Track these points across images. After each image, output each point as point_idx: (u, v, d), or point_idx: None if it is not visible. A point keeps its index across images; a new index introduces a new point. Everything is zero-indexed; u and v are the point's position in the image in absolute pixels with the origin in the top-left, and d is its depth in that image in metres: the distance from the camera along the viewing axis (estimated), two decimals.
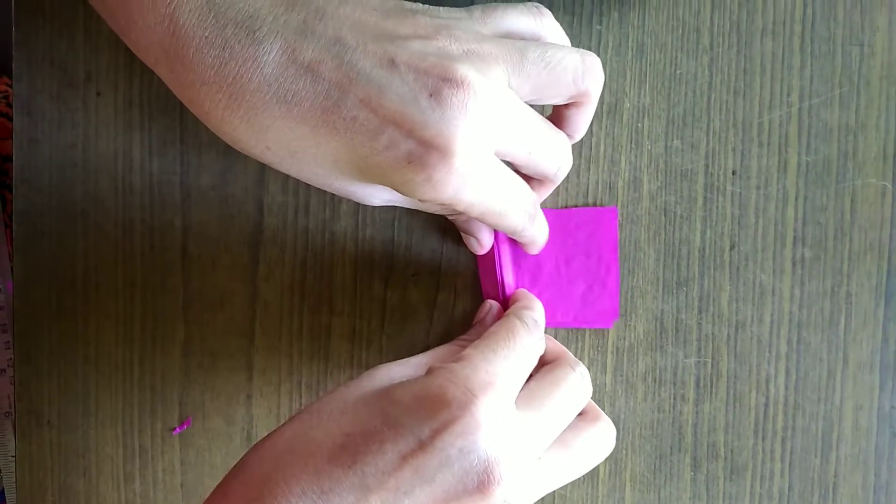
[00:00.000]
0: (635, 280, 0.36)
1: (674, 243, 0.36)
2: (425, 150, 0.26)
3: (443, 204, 0.27)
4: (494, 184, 0.28)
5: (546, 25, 0.30)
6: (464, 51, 0.27)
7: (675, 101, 0.35)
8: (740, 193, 0.36)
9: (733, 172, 0.35)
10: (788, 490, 0.36)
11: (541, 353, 0.31)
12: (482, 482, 0.26)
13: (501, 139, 0.28)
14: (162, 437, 0.37)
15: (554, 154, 0.30)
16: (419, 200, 0.27)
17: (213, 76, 0.26)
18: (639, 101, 0.35)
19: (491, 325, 0.33)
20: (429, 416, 0.26)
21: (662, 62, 0.35)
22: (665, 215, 0.36)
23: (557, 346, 0.33)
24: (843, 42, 0.35)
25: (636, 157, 0.36)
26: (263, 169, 0.36)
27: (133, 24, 0.27)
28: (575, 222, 0.35)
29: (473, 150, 0.27)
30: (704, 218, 0.36)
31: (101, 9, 0.29)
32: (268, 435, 0.28)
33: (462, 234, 0.34)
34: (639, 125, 0.35)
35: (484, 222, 0.30)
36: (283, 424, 0.28)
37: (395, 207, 0.36)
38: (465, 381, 0.26)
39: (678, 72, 0.35)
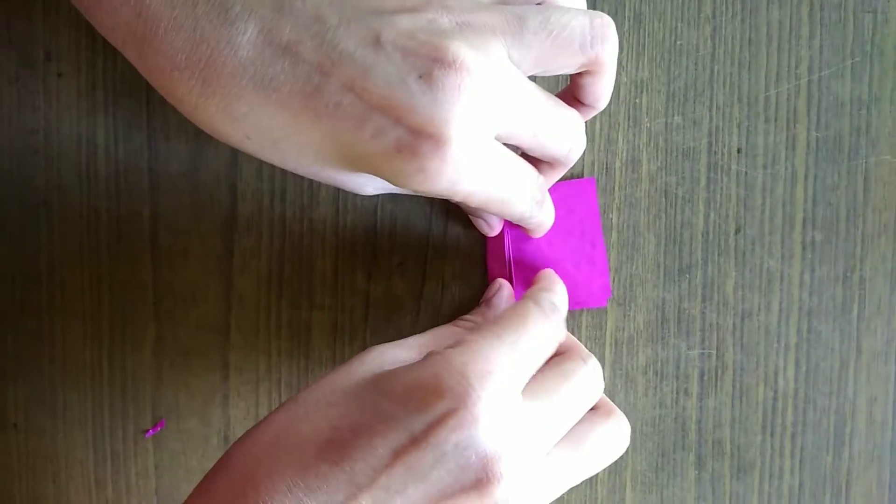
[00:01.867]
0: (634, 267, 0.34)
1: (675, 227, 0.34)
2: (416, 138, 0.24)
3: (439, 195, 0.26)
4: (495, 171, 0.26)
5: None
6: (456, 23, 0.25)
7: (675, 74, 0.34)
8: (746, 173, 0.34)
9: (738, 150, 0.34)
10: (799, 488, 0.35)
11: (560, 339, 0.29)
12: (480, 480, 0.24)
13: (502, 122, 0.26)
14: (134, 440, 0.35)
15: (562, 134, 0.28)
16: (416, 191, 0.25)
17: (185, 60, 0.24)
18: (637, 75, 0.34)
19: (501, 306, 0.31)
20: (421, 408, 0.24)
21: (661, 32, 0.34)
22: (666, 197, 0.34)
23: (569, 338, 0.31)
24: (855, 9, 0.34)
25: (634, 135, 0.34)
26: (236, 153, 0.34)
27: (98, 4, 0.25)
28: (552, 199, 0.33)
29: (470, 136, 0.25)
30: (708, 200, 0.34)
31: None
32: (252, 428, 0.26)
33: (470, 216, 0.33)
34: (637, 101, 0.34)
35: (487, 211, 0.28)
36: (267, 416, 0.26)
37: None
38: (462, 370, 0.24)
39: (678, 43, 0.34)
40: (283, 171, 0.34)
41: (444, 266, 0.34)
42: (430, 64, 0.24)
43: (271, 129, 0.25)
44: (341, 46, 0.24)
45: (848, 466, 0.35)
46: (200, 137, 0.34)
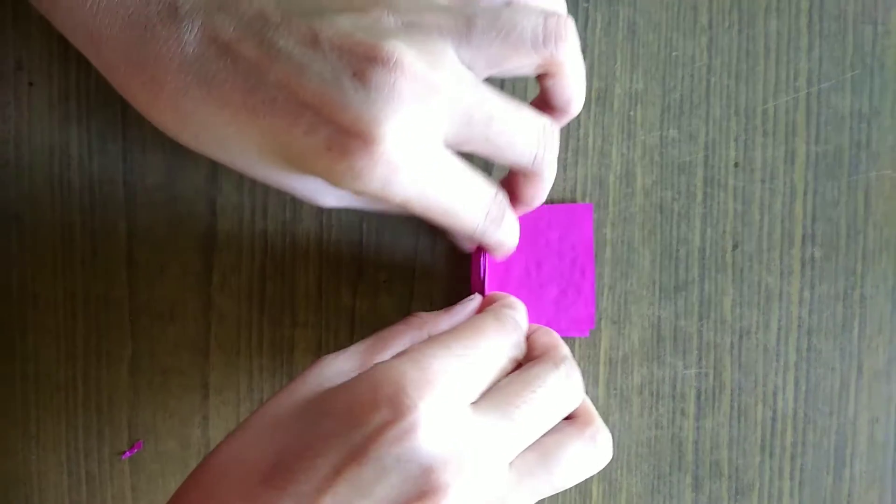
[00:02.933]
0: (629, 284, 0.33)
1: (671, 243, 0.33)
2: (345, 136, 0.24)
3: (375, 196, 0.25)
4: (438, 178, 0.25)
5: None
6: (402, 23, 0.25)
7: (670, 86, 0.33)
8: (743, 188, 0.33)
9: (735, 165, 0.33)
10: None
11: (518, 357, 0.28)
12: (425, 492, 0.23)
13: (448, 125, 0.25)
14: (110, 463, 0.34)
15: (523, 139, 0.27)
16: (353, 192, 0.25)
17: (137, 57, 0.25)
18: (631, 87, 0.33)
19: (460, 313, 0.30)
20: (360, 422, 0.23)
21: (656, 43, 0.33)
22: (661, 212, 0.33)
23: (550, 339, 0.30)
24: (855, 20, 0.33)
25: (629, 148, 0.33)
26: (216, 166, 0.33)
27: (57, 5, 0.26)
28: (546, 221, 0.32)
29: (406, 137, 0.24)
30: (704, 215, 0.33)
31: None
32: (205, 457, 0.26)
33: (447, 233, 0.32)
34: (631, 113, 0.33)
35: (432, 222, 0.27)
36: (219, 444, 0.26)
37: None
38: (399, 379, 0.24)
39: (674, 54, 0.33)
40: (265, 185, 0.33)
41: (433, 283, 0.33)
42: (364, 62, 0.24)
43: (216, 127, 0.25)
44: (280, 44, 0.24)
45: (849, 488, 0.34)
46: (178, 149, 0.33)
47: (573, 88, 0.28)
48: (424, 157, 0.25)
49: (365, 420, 0.23)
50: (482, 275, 0.32)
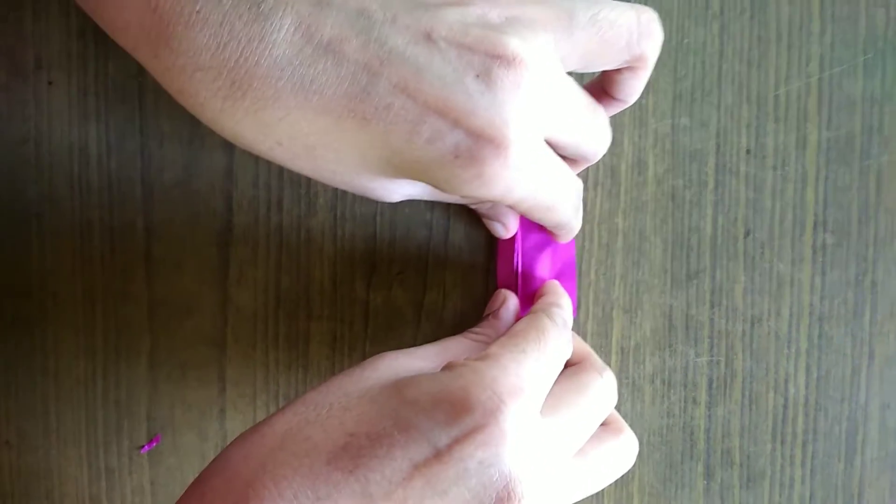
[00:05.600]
0: (641, 273, 0.33)
1: (683, 231, 0.33)
2: (475, 141, 0.23)
3: (489, 200, 0.24)
4: (546, 176, 0.25)
5: None
6: (506, 18, 0.24)
7: (682, 73, 0.33)
8: (755, 174, 0.33)
9: (747, 151, 0.33)
10: (810, 498, 0.34)
11: (569, 355, 0.28)
12: (501, 499, 0.23)
13: (551, 123, 0.24)
14: (129, 456, 0.34)
15: (597, 134, 0.27)
16: (471, 198, 0.24)
17: (210, 60, 0.22)
18: None
19: (509, 319, 0.30)
20: (449, 420, 0.23)
21: (668, 30, 0.33)
22: (673, 201, 0.33)
23: (583, 347, 0.30)
24: (867, 4, 0.33)
25: (640, 136, 0.33)
26: (231, 161, 0.33)
27: (106, 1, 0.23)
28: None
29: (527, 138, 0.23)
30: (716, 203, 0.33)
31: None
32: (252, 429, 0.25)
33: (483, 219, 0.32)
34: (643, 101, 0.33)
35: (529, 217, 0.27)
36: (273, 415, 0.25)
37: (375, 201, 0.33)
38: (492, 384, 0.23)
39: (685, 41, 0.33)
40: (280, 179, 0.33)
41: (446, 275, 0.33)
42: (489, 61, 0.23)
43: (308, 135, 0.23)
44: (390, 44, 0.22)
45: (860, 475, 0.34)
46: (194, 145, 0.33)
47: (644, 83, 0.27)
48: (538, 157, 0.24)
49: (455, 419, 0.23)
50: (515, 266, 0.31)
